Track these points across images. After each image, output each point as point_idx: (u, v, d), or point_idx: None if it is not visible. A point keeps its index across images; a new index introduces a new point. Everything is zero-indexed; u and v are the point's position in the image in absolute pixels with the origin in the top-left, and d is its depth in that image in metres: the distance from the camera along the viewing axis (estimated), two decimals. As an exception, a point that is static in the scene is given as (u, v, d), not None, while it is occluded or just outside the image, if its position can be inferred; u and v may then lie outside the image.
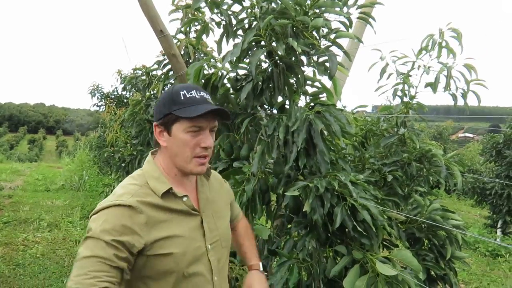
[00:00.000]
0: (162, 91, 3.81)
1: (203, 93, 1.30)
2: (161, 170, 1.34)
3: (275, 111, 2.50)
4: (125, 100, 8.27)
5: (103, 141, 8.92)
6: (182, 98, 1.27)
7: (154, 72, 4.60)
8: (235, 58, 2.40)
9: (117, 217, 1.18)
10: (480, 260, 6.33)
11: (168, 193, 1.30)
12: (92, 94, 9.45)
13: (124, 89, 7.41)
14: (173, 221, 1.28)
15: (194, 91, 1.29)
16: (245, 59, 2.36)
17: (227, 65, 2.58)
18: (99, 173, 10.35)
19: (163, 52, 3.99)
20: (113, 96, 8.94)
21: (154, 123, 1.33)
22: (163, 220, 1.25)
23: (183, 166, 1.32)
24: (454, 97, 2.73)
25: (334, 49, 2.02)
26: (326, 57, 2.03)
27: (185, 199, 1.34)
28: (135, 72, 4.80)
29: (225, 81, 2.58)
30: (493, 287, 4.96)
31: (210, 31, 3.45)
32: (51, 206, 7.51)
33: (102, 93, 9.37)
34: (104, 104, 9.12)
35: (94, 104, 9.59)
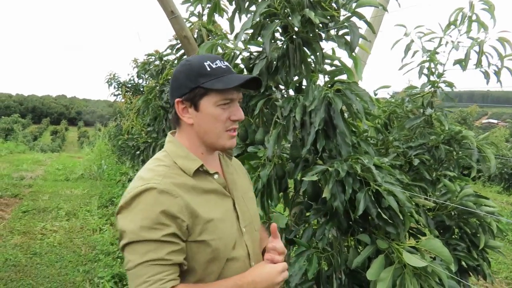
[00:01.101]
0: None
1: (227, 63, 1.19)
2: (187, 149, 1.21)
3: (291, 92, 2.34)
4: (141, 89, 8.22)
5: (120, 130, 8.91)
6: (209, 69, 1.15)
7: (167, 58, 4.48)
8: (247, 35, 2.25)
9: (153, 205, 1.06)
10: (509, 248, 6.08)
11: (199, 172, 1.18)
12: (109, 83, 9.42)
13: (138, 76, 7.34)
14: (210, 203, 1.17)
15: (219, 61, 1.18)
16: (258, 38, 2.21)
17: (240, 45, 2.43)
18: (117, 162, 10.38)
19: (176, 36, 3.87)
20: (129, 85, 8.90)
21: (177, 99, 1.18)
22: (199, 203, 1.13)
23: (213, 143, 1.20)
24: (486, 75, 2.52)
25: (355, 20, 1.85)
26: (346, 30, 1.85)
27: (216, 176, 1.22)
28: (148, 58, 4.71)
29: (238, 61, 2.44)
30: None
31: (224, 13, 3.31)
32: (70, 195, 7.54)
33: (118, 82, 9.32)
34: (120, 93, 9.09)
35: (112, 94, 9.57)
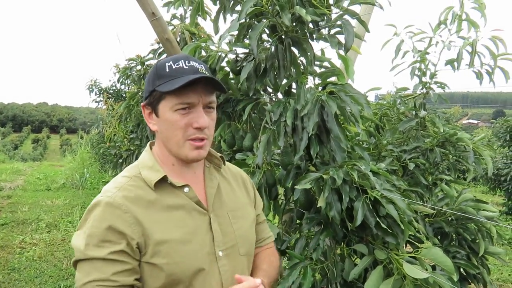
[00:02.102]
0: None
1: (193, 62, 1.05)
2: (156, 159, 1.10)
3: (280, 96, 2.24)
4: (123, 95, 8.04)
5: (102, 138, 8.70)
6: (167, 70, 1.02)
7: (149, 62, 4.34)
8: (233, 36, 2.14)
9: (100, 220, 0.96)
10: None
11: (164, 184, 1.06)
12: (90, 89, 9.22)
13: (119, 81, 7.17)
14: (171, 221, 1.02)
15: (183, 60, 1.04)
16: (245, 40, 2.10)
17: (225, 46, 2.32)
18: (100, 170, 10.15)
19: (158, 39, 3.74)
20: (111, 91, 8.71)
21: (142, 104, 1.10)
22: (156, 221, 1.00)
23: (176, 152, 1.07)
24: (479, 75, 2.46)
25: (347, 18, 1.75)
26: (338, 29, 1.75)
27: (186, 189, 1.08)
28: (129, 62, 4.56)
29: (224, 64, 2.32)
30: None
31: (208, 16, 3.20)
32: (51, 205, 7.29)
33: (100, 88, 9.12)
34: (102, 99, 8.89)
35: (93, 100, 9.36)
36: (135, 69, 4.42)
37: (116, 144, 4.90)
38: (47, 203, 7.49)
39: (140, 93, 4.19)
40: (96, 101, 9.21)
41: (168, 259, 0.99)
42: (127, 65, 4.57)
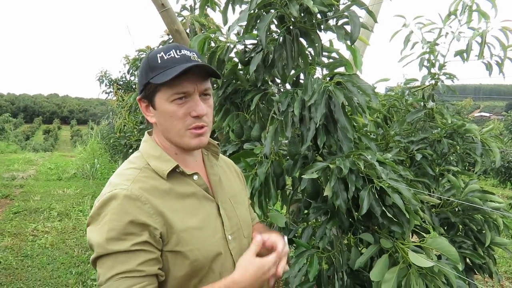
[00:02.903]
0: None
1: (185, 51, 1.05)
2: (161, 149, 1.11)
3: (288, 86, 2.25)
4: (133, 86, 8.09)
5: (112, 128, 8.78)
6: (159, 61, 1.03)
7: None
8: (241, 27, 2.15)
9: (120, 214, 0.95)
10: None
11: (175, 174, 1.07)
12: (100, 81, 9.27)
13: (129, 72, 7.21)
14: (187, 209, 1.05)
15: (173, 50, 1.04)
16: (253, 30, 2.11)
17: (233, 37, 2.33)
18: (110, 160, 10.25)
19: (168, 31, 3.76)
20: (121, 82, 8.76)
21: (137, 98, 1.11)
22: (174, 209, 1.02)
23: (177, 142, 1.09)
24: (489, 66, 2.45)
25: (354, 9, 1.76)
26: (346, 19, 1.76)
27: (195, 177, 1.11)
28: (139, 53, 4.59)
29: (232, 54, 2.34)
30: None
31: (217, 7, 3.21)
32: (62, 195, 7.40)
33: (110, 80, 9.18)
34: (112, 90, 8.95)
35: (103, 91, 9.42)
36: (145, 60, 4.46)
37: (126, 135, 4.96)
38: (58, 192, 7.59)
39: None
40: (106, 92, 9.26)
41: (191, 246, 1.01)
42: (137, 56, 4.62)
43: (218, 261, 1.07)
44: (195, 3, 3.79)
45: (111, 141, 5.53)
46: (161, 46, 1.09)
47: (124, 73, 8.74)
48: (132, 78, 8.19)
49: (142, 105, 1.11)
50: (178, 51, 1.04)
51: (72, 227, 5.44)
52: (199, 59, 1.06)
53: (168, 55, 1.03)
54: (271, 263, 1.02)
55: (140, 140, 4.02)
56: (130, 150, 4.71)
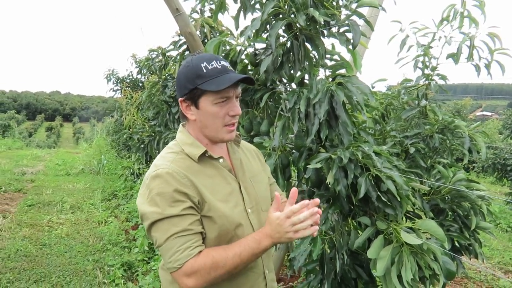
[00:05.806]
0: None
1: (223, 62, 1.31)
2: (193, 138, 1.37)
3: (294, 86, 2.48)
4: (140, 84, 8.33)
5: (120, 125, 9.02)
6: (205, 70, 1.27)
7: (169, 54, 4.60)
8: (253, 33, 2.39)
9: (165, 187, 1.21)
10: (501, 235, 6.29)
11: (204, 157, 1.33)
12: (108, 79, 9.53)
13: (139, 72, 7.44)
14: (214, 186, 1.31)
15: (215, 61, 1.29)
16: (263, 34, 2.34)
17: (244, 41, 2.56)
18: (117, 156, 10.50)
19: (179, 32, 3.99)
20: (128, 81, 9.00)
21: (180, 99, 1.34)
22: (204, 185, 1.28)
23: (213, 136, 1.35)
24: (477, 67, 2.67)
25: (354, 19, 1.99)
26: (347, 27, 2.00)
27: (221, 160, 1.37)
28: (150, 53, 4.81)
29: (243, 57, 2.57)
30: (515, 262, 4.93)
31: (226, 11, 3.43)
32: (73, 189, 7.66)
33: (117, 78, 9.43)
34: (119, 88, 9.19)
35: (110, 89, 9.67)
36: (156, 59, 4.69)
37: (138, 131, 5.20)
38: (68, 187, 7.85)
39: (160, 82, 4.46)
40: (113, 90, 9.51)
41: (219, 213, 1.27)
42: (149, 56, 4.85)
43: (241, 228, 1.33)
44: (204, 6, 4.02)
45: (124, 137, 5.76)
46: (197, 55, 1.32)
47: (131, 72, 8.99)
48: (139, 76, 8.44)
49: (183, 105, 1.34)
50: (218, 62, 1.29)
51: (85, 219, 5.69)
52: (231, 68, 1.33)
53: (211, 65, 1.27)
54: (283, 214, 1.20)
55: (152, 135, 4.26)
56: (142, 146, 4.95)
